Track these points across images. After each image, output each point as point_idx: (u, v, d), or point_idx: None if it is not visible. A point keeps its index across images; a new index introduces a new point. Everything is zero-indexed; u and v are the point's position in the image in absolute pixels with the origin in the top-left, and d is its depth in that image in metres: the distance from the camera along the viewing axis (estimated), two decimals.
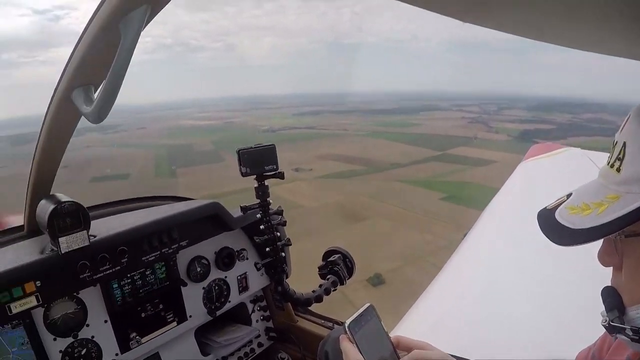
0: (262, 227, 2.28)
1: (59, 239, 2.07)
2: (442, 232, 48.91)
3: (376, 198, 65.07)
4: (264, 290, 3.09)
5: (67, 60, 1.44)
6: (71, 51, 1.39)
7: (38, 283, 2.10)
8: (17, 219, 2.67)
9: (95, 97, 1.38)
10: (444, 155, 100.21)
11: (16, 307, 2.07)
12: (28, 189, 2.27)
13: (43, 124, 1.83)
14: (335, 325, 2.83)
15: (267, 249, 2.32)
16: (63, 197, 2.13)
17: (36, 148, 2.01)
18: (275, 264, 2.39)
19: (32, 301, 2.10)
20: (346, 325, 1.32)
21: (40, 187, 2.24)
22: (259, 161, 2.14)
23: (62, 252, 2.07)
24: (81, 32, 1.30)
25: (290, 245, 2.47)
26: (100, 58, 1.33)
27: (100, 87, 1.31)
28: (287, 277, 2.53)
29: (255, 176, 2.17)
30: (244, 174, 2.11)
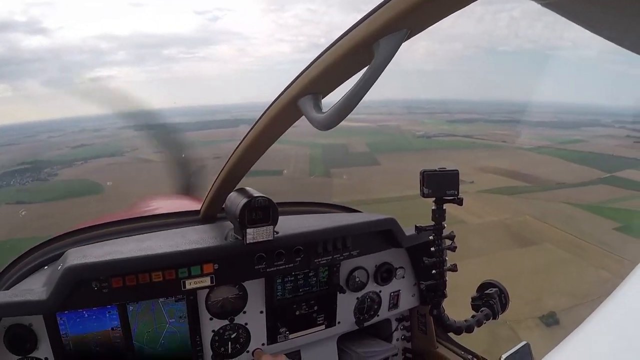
0: (432, 249, 2.25)
1: (247, 229, 2.31)
2: (619, 270, 42.21)
3: (543, 220, 59.34)
4: (411, 311, 3.22)
5: (305, 67, 1.55)
6: (315, 59, 1.49)
7: (216, 266, 2.39)
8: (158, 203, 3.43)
9: (321, 105, 1.54)
10: (612, 177, 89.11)
11: (190, 284, 2.38)
12: (216, 180, 2.54)
13: (256, 123, 1.98)
14: (475, 359, 2.85)
15: (433, 271, 2.28)
16: (254, 192, 2.37)
17: (240, 144, 2.20)
18: (436, 287, 2.33)
19: (206, 281, 2.40)
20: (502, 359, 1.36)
21: (231, 179, 2.48)
22: (441, 184, 2.12)
23: (247, 242, 2.32)
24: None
25: (456, 271, 2.34)
26: (341, 72, 1.48)
27: (326, 97, 1.51)
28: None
29: (434, 199, 2.15)
30: (424, 195, 2.09)
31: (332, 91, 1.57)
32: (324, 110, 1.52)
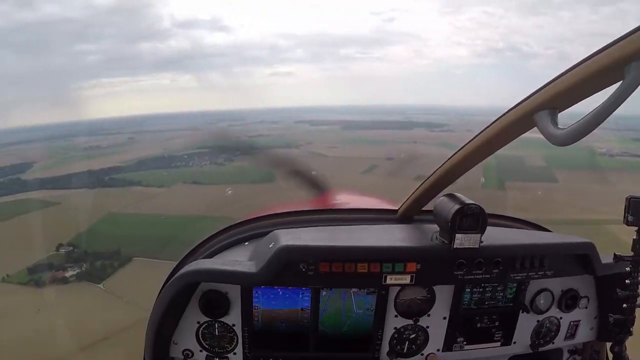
0: (628, 281, 2.12)
1: (456, 234, 2.31)
2: None
3: None
4: (585, 345, 3.06)
5: (546, 82, 1.58)
6: (557, 76, 1.53)
7: (418, 266, 2.43)
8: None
9: (558, 120, 1.57)
10: None
11: (391, 280, 2.45)
12: (424, 183, 2.57)
13: (482, 131, 2.00)
14: None
15: (625, 305, 2.16)
16: (466, 199, 2.34)
17: (459, 150, 2.22)
18: (624, 323, 2.21)
19: (406, 279, 2.46)
20: None
21: (440, 184, 2.50)
22: None
23: (454, 246, 2.32)
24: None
25: None
26: (585, 90, 1.50)
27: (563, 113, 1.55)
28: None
29: (637, 228, 2.02)
30: (628, 223, 1.98)
31: (569, 107, 1.59)
32: (560, 126, 1.53)
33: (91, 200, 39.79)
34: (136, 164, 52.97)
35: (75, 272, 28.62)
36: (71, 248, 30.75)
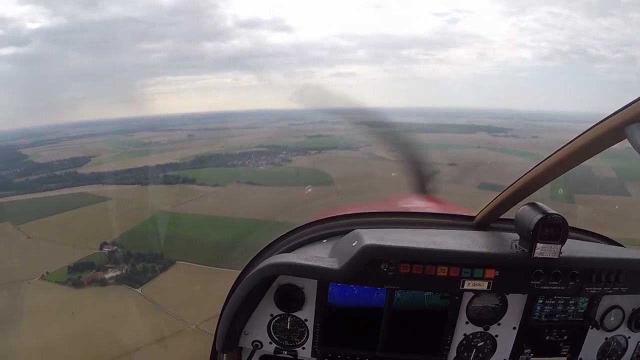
0: None
1: (537, 243, 2.32)
2: None
3: None
4: None
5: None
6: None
7: (497, 272, 2.43)
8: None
9: None
10: None
11: (469, 285, 2.45)
12: (505, 190, 2.57)
13: (571, 142, 1.99)
14: None
15: None
16: (548, 208, 2.35)
17: (545, 160, 2.22)
18: None
19: (483, 285, 2.46)
20: None
21: (521, 192, 2.50)
22: None
23: (535, 255, 2.33)
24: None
25: None
26: None
27: None
28: None
29: None
30: None
31: None
32: None
33: (143, 197, 39.19)
34: (193, 162, 53.02)
35: (115, 274, 27.77)
36: (115, 247, 30.11)
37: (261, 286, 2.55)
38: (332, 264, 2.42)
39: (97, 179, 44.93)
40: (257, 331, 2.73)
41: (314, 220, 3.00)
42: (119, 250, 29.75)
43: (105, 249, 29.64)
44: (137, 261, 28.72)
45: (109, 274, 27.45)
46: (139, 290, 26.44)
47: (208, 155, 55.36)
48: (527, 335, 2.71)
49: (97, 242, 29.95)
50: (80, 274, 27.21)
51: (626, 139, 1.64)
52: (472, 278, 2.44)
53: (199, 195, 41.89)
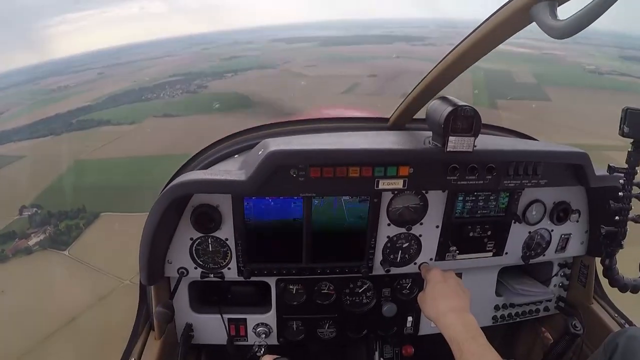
0: (621, 193, 2.08)
1: (449, 137, 2.23)
2: None
3: None
4: (575, 259, 3.13)
5: None
6: None
7: (411, 170, 2.36)
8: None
9: (557, 13, 1.51)
10: None
11: (384, 184, 2.38)
12: (415, 89, 2.53)
13: (474, 31, 1.95)
14: (627, 325, 2.80)
15: (617, 217, 2.12)
16: (459, 101, 2.27)
17: (449, 54, 2.14)
18: (615, 236, 2.18)
19: (398, 184, 2.39)
20: None
21: (431, 89, 2.45)
22: None
23: (447, 149, 2.24)
24: None
25: (639, 222, 2.13)
26: None
27: (564, 6, 1.46)
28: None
29: (633, 140, 1.97)
30: (624, 134, 1.93)
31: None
32: (559, 18, 1.47)
33: (58, 149, 37.37)
34: (106, 101, 50.62)
35: (39, 239, 26.19)
36: (35, 209, 28.43)
37: (174, 208, 2.42)
38: (239, 175, 2.33)
39: (8, 137, 42.28)
40: (180, 258, 2.62)
41: (224, 136, 2.92)
42: (39, 211, 28.17)
43: (25, 213, 28.01)
44: (59, 220, 27.29)
45: (33, 240, 25.92)
46: (65, 252, 25.27)
47: (121, 92, 53.04)
48: (451, 233, 2.75)
49: (15, 207, 28.30)
50: (2, 247, 25.48)
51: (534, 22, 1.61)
52: (385, 177, 2.41)
53: (116, 136, 40.03)
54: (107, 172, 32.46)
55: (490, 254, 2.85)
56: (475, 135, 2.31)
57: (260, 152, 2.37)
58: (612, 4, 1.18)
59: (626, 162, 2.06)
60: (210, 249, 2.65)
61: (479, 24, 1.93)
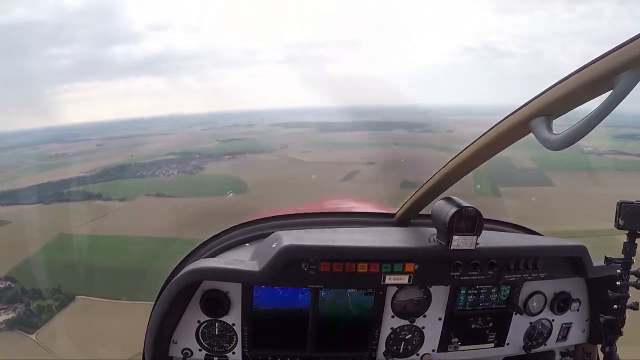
0: (618, 283, 2.19)
1: (453, 236, 2.46)
2: None
3: None
4: (577, 347, 3.17)
5: (541, 91, 1.65)
6: (552, 85, 1.60)
7: (416, 266, 2.55)
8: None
9: (552, 126, 1.62)
10: None
11: (390, 280, 2.57)
12: (422, 187, 2.72)
13: (479, 138, 2.08)
14: None
15: (615, 306, 2.21)
16: (463, 202, 2.50)
17: (456, 156, 2.33)
18: (614, 324, 2.25)
19: (404, 279, 2.58)
20: None
21: (437, 188, 2.64)
22: (638, 217, 2.06)
23: (452, 247, 2.47)
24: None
25: (637, 309, 2.26)
26: (578, 98, 1.57)
27: (559, 119, 1.58)
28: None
29: (628, 232, 2.10)
30: (619, 227, 2.07)
31: (563, 114, 1.62)
32: (554, 132, 1.57)
33: (44, 219, 36.59)
34: (100, 174, 50.26)
35: (8, 317, 24.59)
36: (8, 283, 26.97)
37: (185, 293, 2.57)
38: (253, 266, 2.47)
39: None
40: (186, 339, 2.77)
41: (235, 224, 3.05)
42: (13, 286, 26.65)
43: None
44: (32, 299, 25.67)
45: (1, 318, 24.33)
46: (33, 336, 23.39)
47: (116, 166, 52.67)
48: (453, 325, 2.87)
49: None
50: None
51: (532, 133, 1.69)
52: (392, 273, 2.56)
53: (104, 212, 39.30)
54: (90, 250, 31.37)
55: (492, 345, 3.00)
56: (478, 235, 2.49)
57: (274, 245, 2.51)
58: (601, 121, 1.24)
59: (622, 253, 2.19)
60: (217, 333, 2.80)
61: (485, 131, 2.09)
